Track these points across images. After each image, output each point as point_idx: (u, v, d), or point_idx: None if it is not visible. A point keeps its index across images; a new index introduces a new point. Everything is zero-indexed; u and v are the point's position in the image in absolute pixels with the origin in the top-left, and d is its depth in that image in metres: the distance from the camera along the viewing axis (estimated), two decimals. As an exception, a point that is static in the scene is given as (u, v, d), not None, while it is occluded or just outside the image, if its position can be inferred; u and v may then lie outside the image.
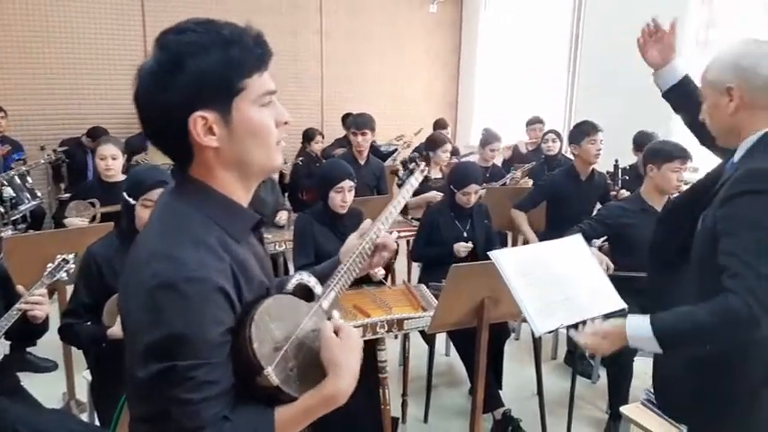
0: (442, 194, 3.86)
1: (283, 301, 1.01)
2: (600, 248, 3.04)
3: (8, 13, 5.74)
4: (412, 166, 1.56)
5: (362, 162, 4.29)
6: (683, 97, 1.84)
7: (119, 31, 6.07)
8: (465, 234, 3.29)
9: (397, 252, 4.75)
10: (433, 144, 4.47)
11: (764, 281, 1.29)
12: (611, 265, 2.74)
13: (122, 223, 2.17)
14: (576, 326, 1.75)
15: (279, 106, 1.00)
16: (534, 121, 5.58)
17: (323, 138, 6.05)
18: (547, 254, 2.11)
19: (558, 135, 4.76)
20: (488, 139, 4.83)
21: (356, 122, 4.27)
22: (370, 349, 2.50)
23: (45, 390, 2.53)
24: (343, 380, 0.96)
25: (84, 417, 2.64)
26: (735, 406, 1.46)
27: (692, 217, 1.54)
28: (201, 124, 0.91)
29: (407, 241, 4.12)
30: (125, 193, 2.13)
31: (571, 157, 3.94)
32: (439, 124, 5.94)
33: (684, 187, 3.30)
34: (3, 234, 3.55)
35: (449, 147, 4.46)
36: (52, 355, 3.36)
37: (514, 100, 7.09)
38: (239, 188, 0.99)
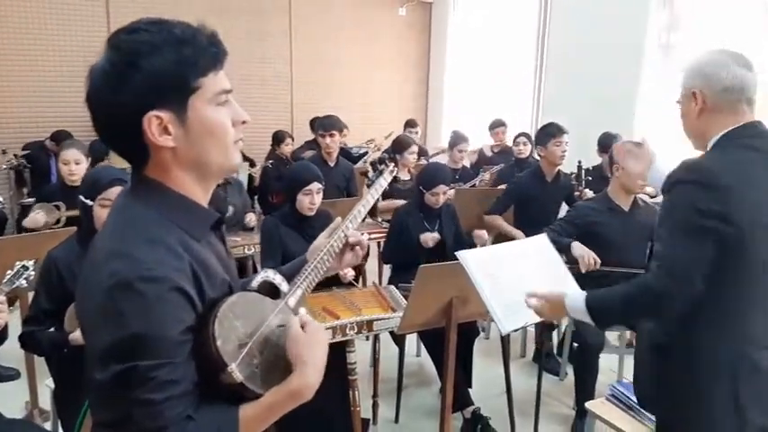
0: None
1: (248, 298, 1.01)
2: None
3: (-34, 13, 5.59)
4: (381, 167, 1.57)
5: (332, 164, 4.29)
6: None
7: (83, 33, 5.96)
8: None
9: (367, 254, 4.76)
10: (399, 146, 4.50)
11: (677, 259, 1.43)
12: (599, 260, 2.80)
13: (82, 227, 2.13)
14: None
15: (236, 105, 1.00)
16: (497, 125, 5.66)
17: (293, 140, 6.03)
18: (513, 253, 2.14)
19: (529, 138, 4.82)
20: (456, 140, 4.88)
21: (324, 124, 4.28)
22: (340, 351, 2.50)
23: (7, 399, 2.48)
24: (308, 375, 0.96)
25: (48, 425, 2.59)
26: (691, 396, 1.51)
27: None
28: (156, 124, 0.90)
29: (378, 243, 4.14)
30: (81, 196, 2.08)
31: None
32: (409, 124, 5.97)
33: (649, 188, 3.40)
34: (-39, 240, 3.45)
35: (415, 148, 4.49)
36: (14, 364, 3.29)
37: (483, 102, 7.17)
38: (197, 188, 0.99)
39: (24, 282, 2.12)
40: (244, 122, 1.00)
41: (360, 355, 2.75)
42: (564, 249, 2.84)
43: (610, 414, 2.18)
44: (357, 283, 2.80)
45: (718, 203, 1.40)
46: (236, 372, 0.89)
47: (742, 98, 1.51)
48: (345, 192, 4.32)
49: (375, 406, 3.03)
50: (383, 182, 1.46)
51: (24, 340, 2.11)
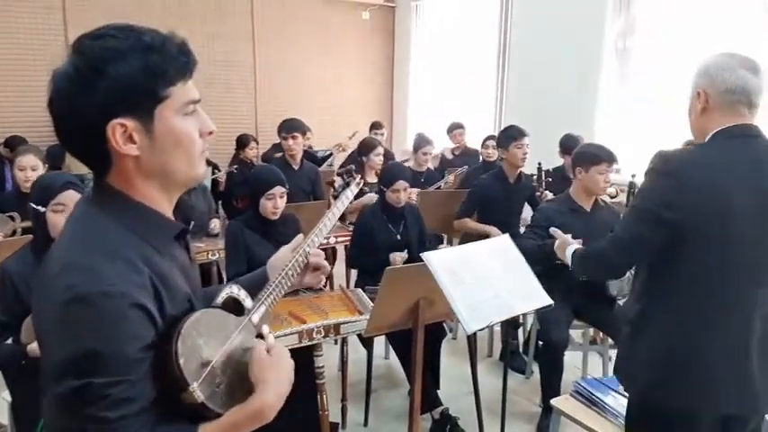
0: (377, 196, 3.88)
1: (212, 315, 0.99)
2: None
3: None
4: (348, 178, 1.57)
5: (296, 167, 4.27)
6: None
7: (39, 35, 5.78)
8: (399, 237, 3.33)
9: (335, 258, 4.74)
10: (365, 148, 4.51)
11: (623, 234, 1.65)
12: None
13: (37, 236, 2.07)
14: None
15: (203, 115, 0.98)
16: (455, 127, 5.74)
17: (257, 144, 5.97)
18: (476, 254, 2.17)
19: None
20: (420, 143, 4.91)
21: (286, 127, 4.27)
22: (308, 355, 2.49)
23: (-40, 415, 2.39)
24: (270, 396, 0.94)
25: (5, 441, 2.50)
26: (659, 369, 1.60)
27: None
28: (121, 132, 0.88)
29: (345, 246, 4.13)
30: (32, 203, 2.00)
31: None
32: (374, 126, 5.98)
33: (610, 189, 3.49)
34: None
35: (381, 150, 4.51)
36: (-31, 378, 3.17)
37: (447, 105, 7.23)
38: (161, 198, 0.97)
39: None
40: (211, 133, 0.99)
41: (328, 359, 2.74)
42: (552, 250, 2.89)
43: (574, 410, 2.22)
44: (324, 288, 2.79)
45: (669, 191, 1.53)
46: (197, 391, 0.88)
47: (743, 100, 1.56)
48: (311, 195, 4.31)
49: (344, 410, 3.02)
50: (350, 194, 1.45)
51: (-21, 353, 2.04)
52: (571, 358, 3.13)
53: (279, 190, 2.80)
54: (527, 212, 3.92)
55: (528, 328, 3.80)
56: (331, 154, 5.83)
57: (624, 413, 2.06)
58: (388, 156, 5.45)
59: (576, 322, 3.10)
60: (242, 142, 5.77)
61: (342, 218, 4.38)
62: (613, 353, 3.07)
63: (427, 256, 2.08)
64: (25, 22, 5.77)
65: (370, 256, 3.28)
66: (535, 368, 3.47)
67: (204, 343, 0.92)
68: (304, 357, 2.39)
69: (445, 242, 4.63)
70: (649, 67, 4.93)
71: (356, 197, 4.25)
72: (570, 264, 1.99)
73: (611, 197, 3.79)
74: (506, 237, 2.34)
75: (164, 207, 0.98)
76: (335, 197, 1.39)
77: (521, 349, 3.83)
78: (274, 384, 0.95)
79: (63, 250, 0.91)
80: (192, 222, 3.71)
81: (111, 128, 0.87)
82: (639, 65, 5.07)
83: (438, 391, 3.03)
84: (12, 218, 3.23)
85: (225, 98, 6.81)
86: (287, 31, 7.22)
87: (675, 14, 4.76)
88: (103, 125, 0.87)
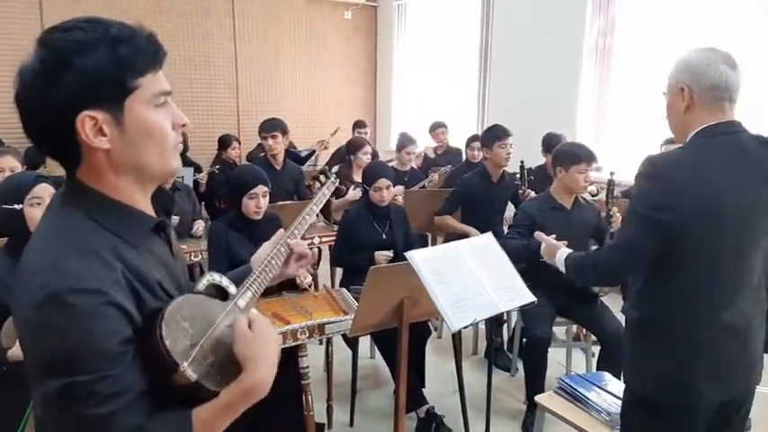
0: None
1: (194, 300, 0.98)
2: None
3: None
4: (324, 179, 1.59)
5: (279, 167, 4.25)
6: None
7: (14, 33, 5.69)
8: (384, 236, 3.32)
9: (320, 258, 4.74)
10: (353, 147, 4.51)
11: (623, 240, 1.66)
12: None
13: (14, 236, 2.02)
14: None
15: (175, 108, 0.97)
16: (437, 126, 5.75)
17: (239, 144, 5.94)
18: (460, 252, 2.18)
19: None
20: (404, 142, 4.92)
21: (265, 126, 4.25)
22: (292, 356, 2.48)
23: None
24: (259, 372, 0.93)
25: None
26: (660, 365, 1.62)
27: None
28: (90, 125, 0.87)
29: (329, 246, 4.12)
30: (5, 205, 1.95)
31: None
32: (358, 125, 5.98)
33: (591, 187, 3.52)
34: None
35: (368, 149, 4.51)
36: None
37: (431, 104, 7.25)
38: (134, 192, 0.96)
39: None
40: (184, 125, 0.98)
41: (313, 359, 2.73)
42: (537, 250, 2.91)
43: (558, 406, 2.25)
44: (311, 288, 2.78)
45: (661, 194, 1.52)
46: (188, 370, 0.87)
47: (725, 96, 1.57)
48: (295, 195, 4.29)
49: (329, 410, 3.01)
50: (326, 192, 1.47)
51: (-44, 359, 2.00)
52: (555, 355, 3.16)
53: (261, 189, 2.78)
54: (510, 211, 3.95)
55: (512, 326, 3.82)
56: (314, 152, 5.81)
57: (606, 409, 2.09)
58: (373, 155, 5.46)
59: (560, 319, 3.13)
60: (224, 142, 5.73)
61: (327, 217, 4.38)
62: (596, 349, 3.10)
63: (411, 254, 2.09)
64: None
65: (354, 255, 3.27)
66: (520, 365, 3.49)
67: (189, 326, 0.92)
68: (289, 358, 2.38)
69: (429, 241, 4.64)
70: (629, 66, 4.99)
71: (337, 196, 4.28)
72: (564, 270, 1.98)
73: (593, 195, 3.83)
74: (489, 235, 2.35)
75: (137, 201, 0.97)
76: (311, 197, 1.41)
77: (505, 347, 3.85)
78: (261, 359, 0.94)
79: (35, 251, 0.90)
80: (177, 218, 3.68)
81: (81, 120, 0.87)
82: (620, 64, 5.13)
83: (423, 390, 3.03)
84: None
85: (206, 98, 6.76)
86: (269, 31, 7.18)
87: (655, 14, 4.82)
88: (72, 118, 0.86)
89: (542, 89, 5.44)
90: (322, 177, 1.60)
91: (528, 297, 2.33)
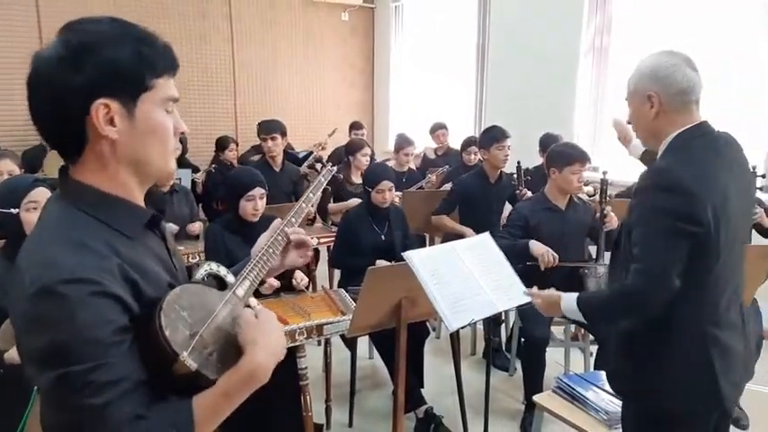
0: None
1: (192, 289, 0.99)
2: None
3: None
4: (319, 166, 1.59)
5: (277, 169, 4.26)
6: (649, 155, 2.14)
7: (12, 34, 5.68)
8: (383, 237, 3.33)
9: (318, 259, 4.74)
10: (352, 149, 4.51)
11: (654, 261, 1.51)
12: (557, 256, 2.88)
13: (11, 239, 2.02)
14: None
15: (177, 115, 1.01)
16: (437, 128, 5.75)
17: (237, 146, 5.93)
18: (458, 253, 2.18)
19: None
20: (402, 143, 4.92)
21: (264, 128, 4.25)
22: (291, 357, 2.48)
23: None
24: (259, 356, 0.94)
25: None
26: (657, 389, 1.58)
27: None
28: (104, 112, 0.90)
29: (327, 247, 4.13)
30: (2, 209, 1.95)
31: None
32: (354, 126, 5.98)
33: (585, 187, 3.53)
34: None
35: (368, 150, 4.51)
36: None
37: (429, 105, 7.25)
38: (132, 186, 0.98)
39: None
40: (182, 133, 1.02)
41: (312, 360, 2.74)
42: (522, 250, 2.92)
43: (557, 406, 2.25)
44: (308, 289, 2.79)
45: (688, 207, 1.48)
46: (188, 360, 0.87)
47: (693, 99, 1.58)
48: (293, 196, 4.30)
49: (328, 411, 3.02)
50: (323, 179, 1.46)
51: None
52: (553, 355, 3.16)
53: (258, 191, 2.78)
54: (508, 212, 3.95)
55: (510, 326, 3.83)
56: (311, 153, 5.81)
57: (604, 408, 2.09)
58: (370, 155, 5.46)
59: (557, 319, 3.13)
60: (221, 144, 5.73)
61: (324, 218, 4.38)
62: (594, 349, 3.11)
63: (408, 255, 2.09)
64: (-2, 24, 5.67)
65: (353, 257, 3.28)
66: (518, 365, 3.50)
67: (188, 315, 0.92)
68: (287, 359, 2.38)
69: (427, 242, 4.64)
70: (626, 66, 5.00)
71: (336, 199, 4.28)
72: (582, 316, 1.73)
73: (590, 196, 3.84)
74: (487, 235, 2.35)
75: (134, 196, 0.99)
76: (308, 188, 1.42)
77: (503, 347, 3.86)
78: (263, 344, 0.96)
79: (29, 249, 0.92)
80: (176, 227, 3.68)
81: (96, 107, 0.89)
82: (617, 63, 5.14)
83: (422, 390, 3.04)
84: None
85: (204, 101, 6.76)
86: (266, 33, 7.19)
87: (652, 13, 4.83)
88: (88, 104, 0.89)
89: (539, 89, 5.45)
90: (318, 165, 1.61)
91: (525, 297, 2.33)
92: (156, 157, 0.97)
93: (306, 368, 2.53)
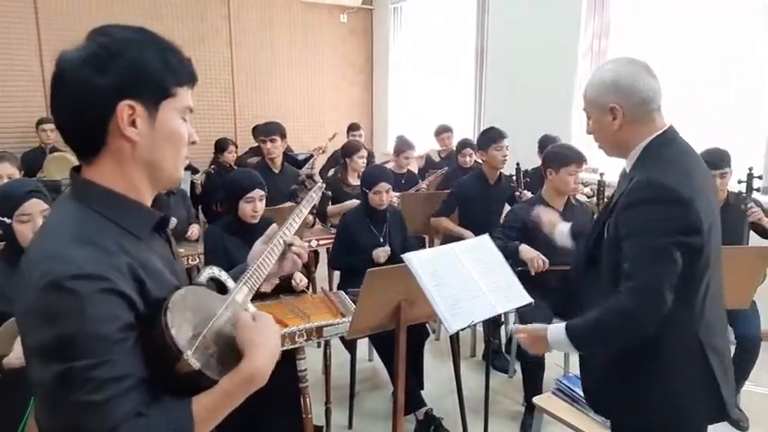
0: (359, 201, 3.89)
1: (197, 291, 1.01)
2: None
3: None
4: (310, 184, 1.61)
5: (277, 171, 4.25)
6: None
7: (11, 38, 5.68)
8: (381, 239, 3.33)
9: (317, 261, 4.73)
10: (348, 150, 4.51)
11: (648, 277, 1.43)
12: (547, 261, 2.88)
13: (8, 244, 2.01)
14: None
15: (190, 126, 1.05)
16: (443, 130, 5.74)
17: (236, 148, 5.94)
18: (457, 254, 2.18)
19: (474, 147, 4.86)
20: (401, 146, 4.93)
21: (264, 130, 4.25)
22: (290, 359, 2.48)
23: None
24: (258, 358, 0.96)
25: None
26: (650, 403, 1.54)
27: (599, 227, 1.65)
28: (128, 113, 0.93)
29: (327, 249, 4.13)
30: None
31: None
32: (352, 128, 5.99)
33: (583, 188, 3.53)
34: None
35: (364, 152, 4.52)
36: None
37: (427, 107, 7.26)
38: (144, 189, 1.01)
39: None
40: (193, 143, 1.05)
41: (311, 362, 2.74)
42: (512, 254, 2.92)
43: (556, 408, 2.25)
44: (308, 290, 2.79)
45: (687, 217, 1.42)
46: (191, 359, 0.89)
47: (655, 107, 1.55)
48: (293, 199, 4.29)
49: (328, 413, 3.01)
50: (314, 195, 1.48)
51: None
52: (552, 356, 3.15)
53: (258, 193, 2.78)
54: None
55: (509, 328, 3.83)
56: (311, 156, 5.82)
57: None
58: (369, 157, 5.46)
59: (556, 320, 3.13)
60: (220, 146, 5.73)
61: (324, 221, 4.38)
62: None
63: (408, 256, 2.09)
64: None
65: (352, 257, 3.28)
66: (517, 367, 3.49)
67: (192, 316, 0.94)
68: (286, 361, 2.38)
69: (426, 243, 4.64)
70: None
71: (334, 201, 4.28)
72: (573, 346, 1.59)
73: (588, 197, 3.84)
74: (486, 237, 2.36)
75: (144, 199, 1.02)
76: (298, 202, 1.44)
77: (503, 348, 3.86)
78: (262, 347, 0.97)
79: (39, 242, 0.94)
80: (175, 219, 3.68)
81: (122, 107, 0.92)
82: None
83: (422, 392, 3.03)
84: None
85: (203, 103, 6.77)
86: (264, 35, 7.19)
87: (650, 16, 4.84)
88: (112, 103, 0.92)
89: (538, 91, 5.45)
90: (308, 182, 1.62)
91: (525, 298, 2.33)
92: (169, 163, 1.00)
93: (305, 370, 2.53)
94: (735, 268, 2.57)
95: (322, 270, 4.63)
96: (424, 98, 7.39)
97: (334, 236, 3.62)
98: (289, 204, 4.03)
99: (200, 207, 5.39)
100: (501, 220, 4.00)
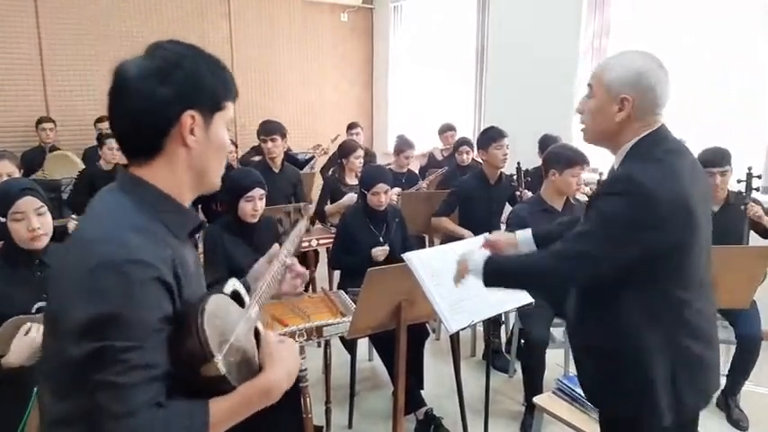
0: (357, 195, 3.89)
1: (225, 300, 1.06)
2: None
3: None
4: (295, 215, 1.66)
5: (277, 170, 4.25)
6: (548, 238, 1.94)
7: (11, 38, 5.68)
8: (381, 239, 3.33)
9: (317, 260, 4.72)
10: (345, 151, 4.51)
11: (574, 254, 1.50)
12: None
13: (4, 245, 2.00)
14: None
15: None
16: (446, 129, 5.74)
17: (236, 147, 5.93)
18: (457, 254, 2.17)
19: (471, 145, 4.87)
20: (401, 146, 4.93)
21: (264, 129, 4.24)
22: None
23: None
24: (279, 373, 1.01)
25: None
26: (635, 394, 1.55)
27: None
28: (190, 122, 1.00)
29: (327, 249, 4.12)
30: None
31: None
32: (351, 126, 5.99)
33: (585, 188, 3.52)
34: None
35: (360, 152, 4.51)
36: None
37: (428, 106, 7.26)
38: (187, 193, 1.07)
39: None
40: (230, 152, 1.08)
41: (312, 362, 2.73)
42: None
43: (557, 407, 2.26)
44: (307, 291, 2.78)
45: (654, 217, 1.42)
46: (220, 363, 0.91)
47: (660, 112, 1.54)
48: (293, 198, 4.29)
49: (328, 412, 3.01)
50: (302, 227, 1.53)
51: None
52: (553, 356, 3.16)
53: (258, 192, 2.78)
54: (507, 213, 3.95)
55: (510, 327, 3.83)
56: (313, 157, 5.81)
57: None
58: (368, 154, 5.46)
59: (557, 320, 3.14)
60: (221, 145, 5.72)
61: (323, 220, 4.38)
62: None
63: (408, 256, 2.09)
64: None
65: (352, 256, 3.28)
66: (518, 367, 3.49)
67: (221, 323, 0.98)
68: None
69: (427, 243, 4.64)
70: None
71: (332, 200, 4.28)
72: (482, 274, 1.65)
73: (588, 196, 3.83)
74: (487, 236, 2.35)
75: (186, 202, 1.09)
76: (284, 233, 1.51)
77: (503, 348, 3.85)
78: (283, 363, 1.03)
79: (94, 223, 0.99)
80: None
81: (186, 116, 1.00)
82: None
83: (422, 392, 3.03)
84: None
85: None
86: (264, 34, 7.18)
87: (650, 14, 4.84)
88: (177, 112, 0.99)
89: (538, 90, 5.45)
90: (294, 214, 1.68)
91: (525, 298, 2.33)
92: (214, 170, 1.08)
93: (305, 370, 2.52)
94: (735, 268, 2.57)
95: (322, 270, 4.62)
96: (425, 97, 7.38)
97: (333, 235, 3.62)
98: (288, 205, 4.04)
99: (199, 206, 5.39)
100: (501, 220, 4.02)
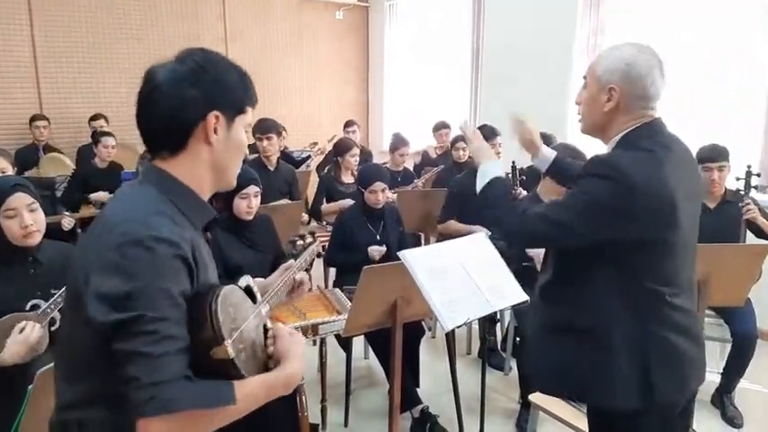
0: (354, 202, 3.89)
1: (238, 292, 1.12)
2: None
3: None
4: (302, 242, 1.83)
5: (272, 168, 4.24)
6: (559, 173, 2.05)
7: (3, 32, 5.64)
8: (378, 237, 3.33)
9: (312, 259, 4.70)
10: (340, 149, 4.51)
11: (537, 219, 1.56)
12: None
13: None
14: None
15: None
16: (440, 127, 5.73)
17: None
18: (453, 251, 2.18)
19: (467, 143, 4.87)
20: (397, 144, 4.92)
21: (260, 127, 4.22)
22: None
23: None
24: (296, 367, 1.09)
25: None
26: (603, 377, 1.54)
27: None
28: (214, 122, 1.08)
29: (323, 246, 4.12)
30: None
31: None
32: (346, 124, 5.98)
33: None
34: None
35: (356, 151, 4.51)
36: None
37: (423, 104, 7.26)
38: (206, 188, 1.14)
39: None
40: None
41: (307, 360, 2.72)
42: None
43: (552, 405, 2.26)
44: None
45: (624, 200, 1.43)
46: (230, 347, 0.94)
47: (651, 106, 1.53)
48: (288, 196, 4.28)
49: (324, 411, 3.01)
50: (313, 251, 1.75)
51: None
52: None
53: (252, 189, 2.77)
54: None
55: (505, 325, 3.83)
56: (309, 156, 5.81)
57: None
58: (364, 152, 5.45)
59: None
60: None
61: (319, 219, 4.38)
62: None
63: (404, 254, 2.09)
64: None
65: (348, 254, 3.27)
66: (513, 364, 3.50)
67: (233, 312, 1.02)
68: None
69: (423, 241, 4.64)
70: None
71: (329, 199, 4.27)
72: (485, 183, 1.75)
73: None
74: (482, 234, 2.36)
75: (205, 196, 1.15)
76: (295, 256, 1.65)
77: (499, 346, 3.86)
78: (299, 358, 1.11)
79: (119, 208, 1.05)
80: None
81: (212, 116, 1.07)
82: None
83: (418, 390, 3.03)
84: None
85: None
86: (259, 32, 7.16)
87: (645, 13, 4.85)
88: (203, 113, 1.06)
89: (533, 89, 5.45)
90: (300, 241, 1.87)
91: (521, 296, 2.33)
92: (232, 169, 1.16)
93: (301, 368, 2.52)
94: (730, 266, 2.58)
95: (317, 267, 4.61)
96: (420, 95, 7.38)
97: (329, 232, 3.62)
98: (282, 202, 4.03)
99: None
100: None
